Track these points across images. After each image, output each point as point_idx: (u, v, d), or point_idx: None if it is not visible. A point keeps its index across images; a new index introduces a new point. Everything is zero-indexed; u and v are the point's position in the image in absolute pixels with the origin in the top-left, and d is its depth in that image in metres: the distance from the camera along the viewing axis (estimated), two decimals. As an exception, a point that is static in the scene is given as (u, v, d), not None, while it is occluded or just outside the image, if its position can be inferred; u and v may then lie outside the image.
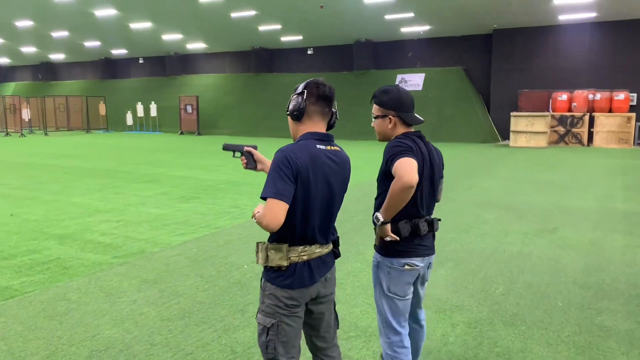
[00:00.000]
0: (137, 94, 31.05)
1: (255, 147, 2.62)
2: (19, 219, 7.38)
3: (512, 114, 19.62)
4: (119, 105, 30.87)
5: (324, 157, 2.16)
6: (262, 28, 24.06)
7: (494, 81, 22.50)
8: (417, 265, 2.53)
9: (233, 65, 29.66)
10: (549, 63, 21.16)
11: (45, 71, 37.12)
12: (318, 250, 2.19)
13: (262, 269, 2.27)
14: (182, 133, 27.41)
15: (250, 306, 4.11)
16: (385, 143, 2.60)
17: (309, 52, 27.48)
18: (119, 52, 31.76)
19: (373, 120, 2.64)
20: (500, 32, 22.06)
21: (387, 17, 21.01)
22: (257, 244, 2.19)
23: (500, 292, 4.38)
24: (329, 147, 2.20)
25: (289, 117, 2.26)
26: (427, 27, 22.58)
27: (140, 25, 24.97)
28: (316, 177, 2.11)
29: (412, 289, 2.59)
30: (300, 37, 25.49)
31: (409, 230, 2.47)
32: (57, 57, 35.16)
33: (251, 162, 2.58)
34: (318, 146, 2.16)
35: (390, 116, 2.55)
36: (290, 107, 2.22)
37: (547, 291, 4.41)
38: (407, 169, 2.29)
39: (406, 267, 2.51)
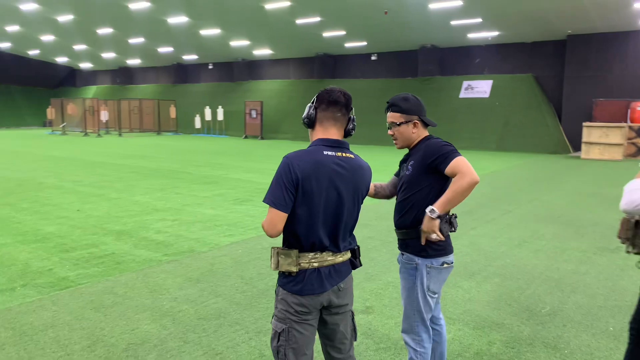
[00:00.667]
0: (206, 98, 32.23)
1: None
2: (84, 215, 7.85)
3: (584, 124, 18.57)
4: (188, 108, 32.17)
5: (331, 164, 2.13)
6: (327, 34, 24.29)
7: (566, 89, 21.42)
8: (452, 262, 2.65)
9: (297, 71, 30.11)
10: (628, 71, 19.87)
11: (123, 75, 39.36)
12: (330, 258, 2.16)
13: None
14: (246, 137, 28.13)
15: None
16: (406, 150, 2.70)
17: (373, 58, 27.40)
18: (190, 57, 33.12)
19: (392, 127, 2.69)
20: (575, 37, 20.99)
21: (454, 22, 20.59)
22: (272, 248, 2.19)
23: (547, 312, 4.14)
24: (338, 154, 2.16)
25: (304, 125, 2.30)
26: (495, 33, 21.89)
27: (210, 31, 25.97)
28: (320, 184, 2.09)
29: None
30: (365, 43, 25.50)
31: (448, 230, 2.56)
32: (134, 62, 37.20)
33: None
34: (325, 152, 2.13)
35: (415, 120, 2.62)
36: (304, 114, 2.25)
37: (599, 314, 4.12)
38: (470, 167, 2.41)
39: (444, 265, 2.61)
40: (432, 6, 18.76)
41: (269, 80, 30.93)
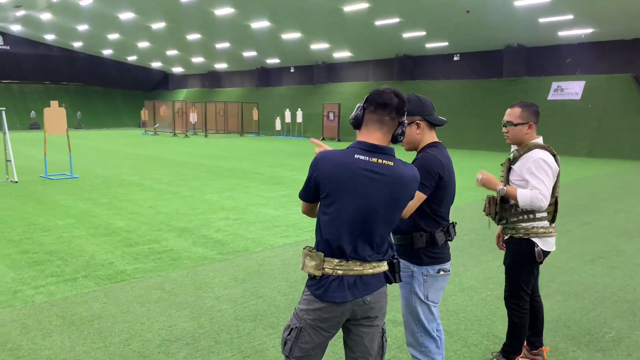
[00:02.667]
0: (286, 101, 32.89)
1: None
2: (154, 211, 8.24)
3: (692, 128, 16.68)
4: (269, 111, 33.00)
5: (359, 169, 2.00)
6: (406, 35, 23.86)
7: (671, 90, 19.39)
8: (448, 270, 2.60)
9: (376, 73, 29.86)
10: None
11: (211, 79, 41.21)
12: (357, 268, 2.04)
13: None
14: (323, 139, 28.33)
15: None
16: (414, 153, 2.61)
17: (455, 58, 26.50)
18: (272, 61, 33.97)
19: None
20: (684, 33, 18.95)
21: (542, 20, 19.38)
22: (303, 248, 2.14)
23: (611, 338, 3.70)
24: (373, 159, 2.02)
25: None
26: (589, 31, 20.32)
27: (291, 35, 26.46)
28: (343, 188, 2.00)
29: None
30: (446, 44, 24.74)
31: (444, 239, 2.54)
32: (221, 66, 38.83)
33: None
34: (357, 156, 2.01)
35: (417, 121, 2.53)
36: (352, 115, 2.16)
37: (675, 345, 3.61)
38: (412, 209, 2.40)
39: (441, 272, 2.55)
40: (518, 3, 17.78)
41: (348, 82, 30.93)
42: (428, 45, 25.37)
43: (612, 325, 3.93)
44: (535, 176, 2.92)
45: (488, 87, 24.11)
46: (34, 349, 3.50)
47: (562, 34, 20.98)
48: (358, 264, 2.04)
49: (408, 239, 2.53)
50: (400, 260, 2.50)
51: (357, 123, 2.13)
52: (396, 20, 21.66)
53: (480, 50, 25.00)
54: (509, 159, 3.13)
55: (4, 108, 11.68)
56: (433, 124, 2.60)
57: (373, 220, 2.04)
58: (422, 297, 2.55)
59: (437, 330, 2.68)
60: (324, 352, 2.16)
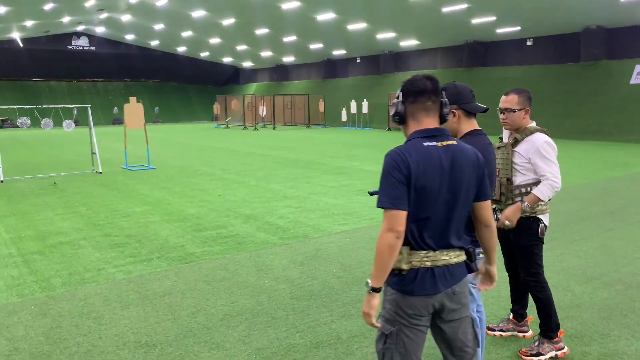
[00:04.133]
0: (352, 92, 32.97)
1: None
2: (223, 199, 8.72)
3: None
4: (336, 102, 33.24)
5: (435, 155, 2.01)
6: (475, 21, 23.18)
7: None
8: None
9: (445, 60, 29.22)
10: None
11: (279, 72, 42.07)
12: (444, 258, 2.03)
13: None
14: (389, 129, 28.21)
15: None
16: None
17: (528, 43, 25.38)
18: (338, 52, 34.13)
19: None
20: None
21: (623, -1, 18.17)
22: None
23: (670, 329, 3.59)
24: (439, 143, 2.04)
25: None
26: (678, 7, 18.80)
27: (357, 26, 26.49)
28: (428, 177, 1.98)
29: None
30: (518, 28, 23.76)
31: None
32: (288, 59, 39.52)
33: None
34: (425, 143, 2.03)
35: (452, 110, 2.55)
36: (392, 111, 2.13)
37: None
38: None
39: (480, 255, 2.49)
40: (596, -18, 16.80)
41: (415, 71, 30.49)
42: (499, 31, 24.48)
43: (674, 316, 3.80)
44: (546, 159, 3.11)
45: (564, 73, 22.95)
46: (114, 318, 3.93)
47: (647, 12, 19.53)
48: (444, 253, 2.04)
49: None
50: None
51: (402, 118, 2.12)
52: (464, 6, 21.11)
53: (556, 33, 23.79)
54: (510, 143, 3.26)
55: (90, 105, 12.70)
56: (471, 112, 2.64)
57: (456, 204, 2.04)
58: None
59: (477, 311, 2.75)
60: (422, 352, 2.11)
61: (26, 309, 4.12)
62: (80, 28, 38.84)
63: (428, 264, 2.00)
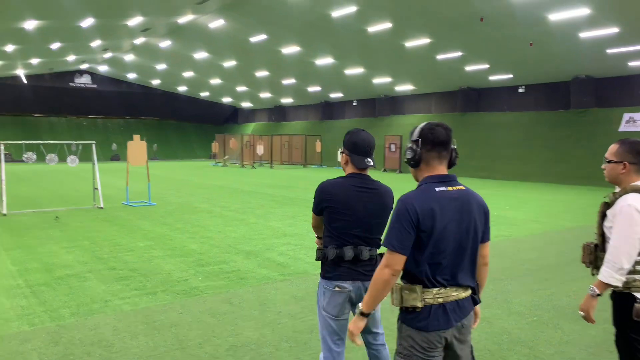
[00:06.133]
0: (349, 133, 33.60)
1: None
2: (223, 236, 8.92)
3: None
4: (332, 143, 33.81)
5: (447, 200, 2.17)
6: (469, 68, 24.02)
7: None
8: (346, 288, 2.82)
9: (439, 105, 30.00)
10: None
11: (277, 113, 42.88)
12: (454, 294, 2.18)
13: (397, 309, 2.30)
14: (385, 170, 28.65)
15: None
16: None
17: (520, 90, 26.21)
18: (336, 95, 34.99)
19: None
20: None
21: (610, 51, 19.00)
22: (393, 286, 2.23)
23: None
24: (449, 188, 2.20)
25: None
26: (662, 60, 19.63)
27: (354, 71, 27.32)
28: (440, 221, 2.13)
29: (346, 310, 2.88)
30: (511, 76, 24.61)
31: (334, 255, 2.81)
32: (287, 101, 40.40)
33: None
34: (437, 189, 2.18)
35: (344, 154, 2.94)
36: (408, 155, 2.26)
37: None
38: None
39: (336, 288, 2.82)
40: (583, 35, 17.59)
41: (410, 115, 31.24)
42: (492, 78, 25.33)
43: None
44: (616, 231, 2.58)
45: (556, 119, 23.62)
46: (124, 347, 4.09)
47: (633, 64, 20.38)
48: (454, 289, 2.19)
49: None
50: None
51: (417, 163, 2.26)
52: (458, 54, 21.93)
53: (547, 82, 24.64)
54: (606, 202, 2.75)
55: (94, 141, 13.01)
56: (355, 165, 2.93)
57: (467, 246, 2.20)
58: (320, 307, 2.96)
59: (339, 344, 2.95)
60: None
61: (38, 337, 4.27)
62: (84, 66, 39.70)
63: (440, 300, 2.15)
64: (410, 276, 2.19)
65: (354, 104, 35.59)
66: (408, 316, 2.18)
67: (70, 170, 24.26)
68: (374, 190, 2.86)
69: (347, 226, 2.81)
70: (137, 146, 13.05)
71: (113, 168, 28.14)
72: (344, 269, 2.82)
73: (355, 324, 2.28)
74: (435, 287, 2.15)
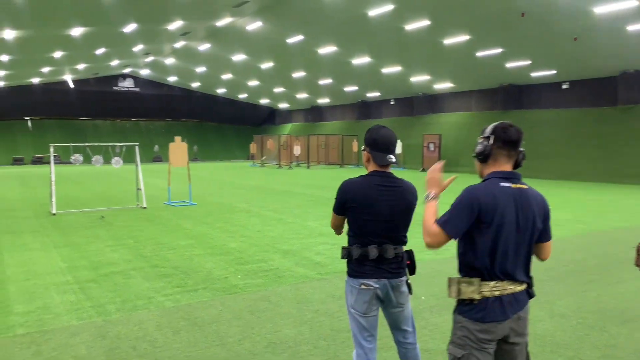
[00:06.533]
0: (386, 133, 33.38)
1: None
2: (262, 235, 9.03)
3: None
4: (369, 142, 33.69)
5: (509, 196, 2.24)
6: (510, 65, 23.47)
7: None
8: (372, 286, 2.81)
9: (479, 103, 29.43)
10: None
11: (314, 113, 43.06)
12: (510, 287, 2.25)
13: (450, 303, 2.41)
14: (423, 170, 28.31)
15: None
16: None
17: (564, 86, 25.41)
18: (373, 94, 34.84)
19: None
20: None
21: (660, 43, 18.19)
22: (449, 279, 2.33)
23: None
24: (513, 185, 2.28)
25: (475, 158, 2.42)
26: None
27: (391, 69, 27.14)
28: (501, 216, 2.21)
29: (374, 307, 2.86)
30: (554, 72, 23.90)
31: (359, 254, 2.81)
32: (323, 101, 40.51)
33: None
34: (502, 184, 2.26)
35: (365, 151, 2.90)
36: (478, 149, 2.36)
37: None
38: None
39: (362, 286, 2.82)
40: (631, 28, 16.91)
41: (450, 112, 30.79)
42: (534, 74, 24.67)
43: None
44: None
45: (602, 116, 22.80)
46: (167, 342, 4.21)
47: (686, 56, 19.45)
48: (511, 283, 2.26)
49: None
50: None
51: (486, 158, 2.34)
52: (499, 50, 21.47)
53: (592, 77, 23.81)
54: None
55: (138, 143, 13.40)
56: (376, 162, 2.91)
57: (525, 242, 2.28)
58: (348, 305, 2.96)
59: (370, 341, 2.93)
60: None
61: (86, 331, 4.45)
62: (127, 70, 40.94)
63: (497, 293, 2.23)
64: (469, 268, 2.27)
65: (392, 102, 35.34)
66: (464, 307, 2.27)
67: (114, 171, 25.08)
68: (396, 187, 2.86)
69: (371, 225, 2.81)
70: (178, 148, 13.36)
71: (155, 169, 28.91)
72: (368, 267, 2.82)
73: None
74: (493, 280, 2.23)
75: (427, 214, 2.36)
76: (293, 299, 5.35)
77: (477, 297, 2.21)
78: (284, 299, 5.33)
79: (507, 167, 2.32)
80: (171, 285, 5.89)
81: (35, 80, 37.05)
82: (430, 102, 32.16)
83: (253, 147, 37.81)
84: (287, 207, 12.70)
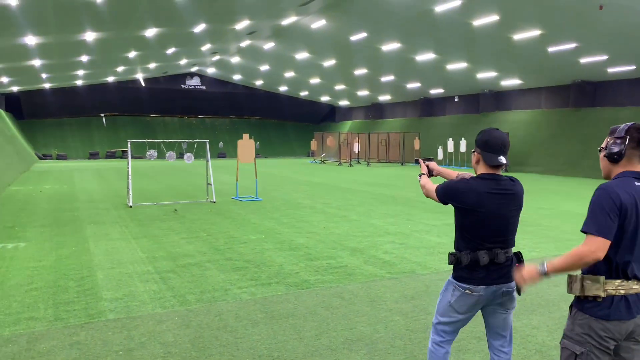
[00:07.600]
0: (449, 131, 32.72)
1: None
2: (328, 232, 9.12)
3: None
4: (432, 140, 33.15)
5: None
6: (584, 60, 22.34)
7: None
8: (478, 292, 2.80)
9: (549, 100, 28.21)
10: None
11: (375, 111, 42.83)
12: (636, 287, 2.24)
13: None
14: (488, 169, 27.54)
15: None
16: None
17: (644, 83, 23.90)
18: (436, 91, 34.19)
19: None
20: None
21: None
22: (570, 276, 2.33)
23: None
24: None
25: (603, 157, 2.41)
26: None
27: (456, 66, 26.53)
28: (636, 214, 2.22)
29: (474, 310, 2.89)
30: (633, 67, 22.52)
31: (469, 260, 2.79)
32: (384, 98, 40.18)
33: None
34: (636, 183, 2.27)
35: (476, 152, 2.89)
36: (614, 150, 2.34)
37: None
38: None
39: (467, 291, 2.82)
40: None
41: (517, 110, 29.72)
42: (610, 70, 23.35)
43: None
44: None
45: (686, 113, 21.30)
46: (247, 333, 4.36)
47: None
48: (636, 282, 2.25)
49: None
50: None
51: (620, 158, 2.34)
52: (572, 45, 20.49)
53: (677, 72, 22.26)
54: None
55: (208, 140, 13.88)
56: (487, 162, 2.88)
57: None
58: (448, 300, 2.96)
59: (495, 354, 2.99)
60: None
61: (170, 320, 4.69)
62: (194, 69, 42.37)
63: (622, 292, 2.22)
64: (594, 266, 2.25)
65: (456, 99, 34.54)
66: (587, 304, 2.26)
67: (181, 166, 26.10)
68: (509, 192, 2.82)
69: (482, 230, 2.79)
70: (246, 144, 13.73)
71: (220, 164, 29.83)
72: (479, 273, 2.79)
73: (531, 274, 2.39)
74: (619, 278, 2.23)
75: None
76: (365, 297, 5.38)
77: (602, 294, 2.20)
78: (356, 297, 5.38)
79: (637, 167, 2.32)
80: (245, 278, 6.08)
81: (110, 79, 39.08)
82: (496, 99, 31.18)
83: (313, 144, 38.14)
84: (350, 205, 12.74)
